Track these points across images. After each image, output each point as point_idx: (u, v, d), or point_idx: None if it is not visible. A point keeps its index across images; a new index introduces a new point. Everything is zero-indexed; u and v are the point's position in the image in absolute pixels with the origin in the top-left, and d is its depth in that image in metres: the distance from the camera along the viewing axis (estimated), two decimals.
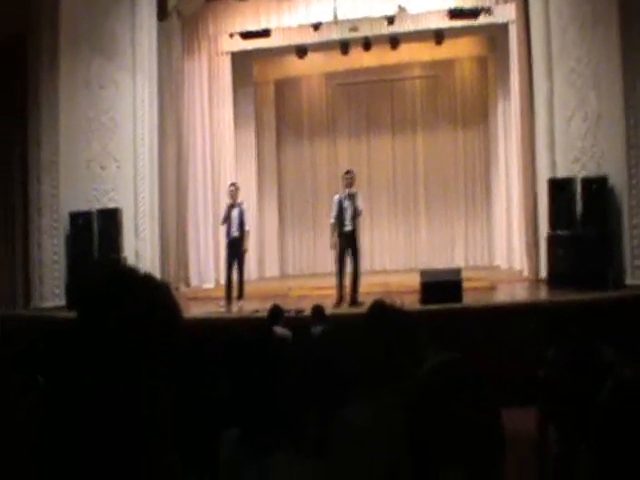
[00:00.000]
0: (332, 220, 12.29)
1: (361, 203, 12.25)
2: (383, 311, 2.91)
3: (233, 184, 13.46)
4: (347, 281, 12.18)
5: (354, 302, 11.81)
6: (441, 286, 10.71)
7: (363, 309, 10.28)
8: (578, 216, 11.99)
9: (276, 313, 9.59)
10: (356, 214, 12.07)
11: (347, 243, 12.16)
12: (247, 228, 13.07)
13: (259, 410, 2.86)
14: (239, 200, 13.10)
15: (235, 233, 12.86)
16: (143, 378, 1.45)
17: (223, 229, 13.45)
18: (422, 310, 10.03)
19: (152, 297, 1.51)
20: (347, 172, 12.40)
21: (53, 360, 5.84)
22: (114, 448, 1.41)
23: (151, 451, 1.48)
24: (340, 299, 12.05)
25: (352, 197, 12.10)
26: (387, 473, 2.38)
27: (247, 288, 13.33)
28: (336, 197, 12.35)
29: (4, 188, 12.91)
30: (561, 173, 12.49)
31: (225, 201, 13.58)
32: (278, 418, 2.87)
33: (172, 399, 1.52)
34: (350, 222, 12.09)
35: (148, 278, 1.56)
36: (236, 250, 12.92)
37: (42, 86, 12.74)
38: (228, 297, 12.83)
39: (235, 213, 12.87)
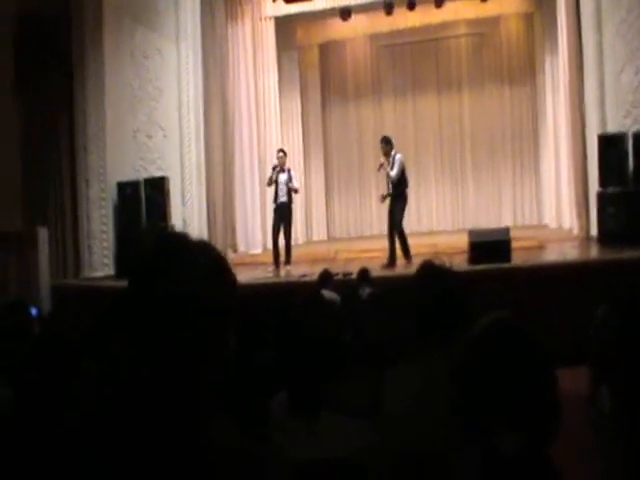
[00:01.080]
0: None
1: (397, 169, 12.20)
2: (432, 272, 2.88)
3: (281, 150, 13.45)
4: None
5: (407, 257, 12.10)
6: (489, 246, 10.61)
7: (410, 271, 10.37)
8: (630, 172, 11.77)
9: (325, 277, 9.62)
10: (392, 180, 12.19)
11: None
12: (297, 186, 13.11)
13: (309, 373, 2.86)
14: (287, 166, 13.08)
15: (283, 198, 12.87)
16: (197, 344, 1.44)
17: (270, 194, 13.49)
18: (470, 270, 9.96)
19: (206, 263, 1.49)
20: (381, 140, 12.56)
21: (103, 334, 5.92)
22: (167, 413, 1.42)
23: (203, 415, 1.48)
24: (392, 261, 12.14)
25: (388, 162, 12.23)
26: (437, 435, 2.36)
27: (295, 252, 13.36)
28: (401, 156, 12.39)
29: (52, 160, 13.04)
30: (612, 128, 12.21)
31: (272, 167, 13.55)
32: (327, 380, 2.88)
33: (227, 365, 1.52)
34: (391, 188, 12.30)
35: (202, 244, 1.54)
36: (283, 215, 12.92)
37: (87, 57, 12.82)
38: (276, 262, 12.87)
39: (283, 178, 12.86)
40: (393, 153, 12.32)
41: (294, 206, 13.23)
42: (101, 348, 4.96)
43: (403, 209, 12.44)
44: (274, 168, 13.01)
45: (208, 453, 1.45)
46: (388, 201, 12.52)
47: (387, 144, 12.37)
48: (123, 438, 1.40)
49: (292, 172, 13.17)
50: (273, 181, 12.89)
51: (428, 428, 2.45)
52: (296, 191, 13.08)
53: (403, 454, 2.56)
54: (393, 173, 12.17)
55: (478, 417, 1.60)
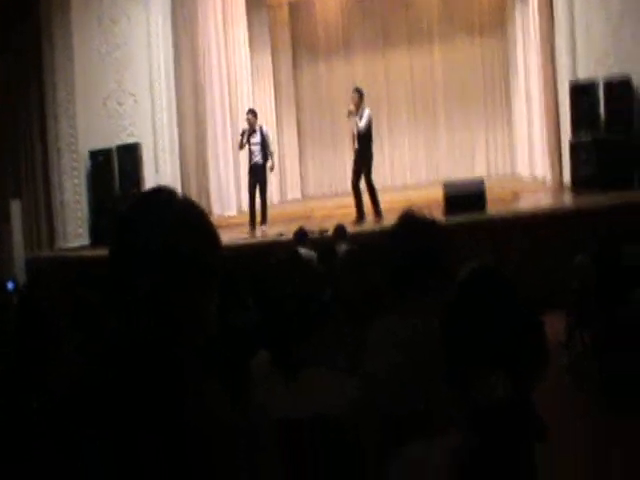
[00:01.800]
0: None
1: (365, 122, 12.07)
2: (414, 222, 2.86)
3: (251, 111, 13.18)
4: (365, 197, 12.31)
5: (377, 213, 12.04)
6: (465, 197, 10.65)
7: (385, 226, 10.42)
8: (601, 119, 11.81)
9: (301, 235, 9.63)
10: (359, 134, 12.09)
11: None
12: (272, 149, 12.98)
13: (288, 331, 2.87)
14: (258, 125, 12.95)
15: (257, 158, 12.76)
16: (183, 304, 1.43)
17: (244, 155, 13.41)
18: (446, 222, 9.98)
19: (192, 221, 1.47)
20: (354, 90, 12.38)
21: (90, 301, 5.90)
22: (155, 379, 1.41)
23: (191, 380, 1.48)
24: (360, 215, 12.21)
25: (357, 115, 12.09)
26: (420, 386, 2.38)
27: (270, 212, 13.33)
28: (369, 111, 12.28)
29: (22, 130, 12.90)
30: (583, 76, 12.21)
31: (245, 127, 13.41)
32: (307, 337, 2.88)
33: (213, 326, 1.51)
34: (357, 141, 12.22)
35: (188, 202, 1.52)
36: (258, 176, 12.84)
37: (54, 24, 12.66)
38: (252, 223, 12.83)
39: (256, 139, 12.72)
40: (363, 106, 12.19)
41: (271, 163, 13.05)
42: (83, 316, 4.95)
43: (370, 163, 12.34)
44: (243, 132, 12.85)
45: (197, 419, 1.44)
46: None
47: (359, 95, 12.20)
48: (110, 407, 1.39)
49: (264, 130, 12.98)
50: (244, 144, 12.77)
51: (411, 380, 2.47)
52: (271, 154, 12.95)
53: (386, 407, 2.58)
54: (361, 124, 12.02)
55: (464, 365, 1.61)
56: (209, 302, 1.47)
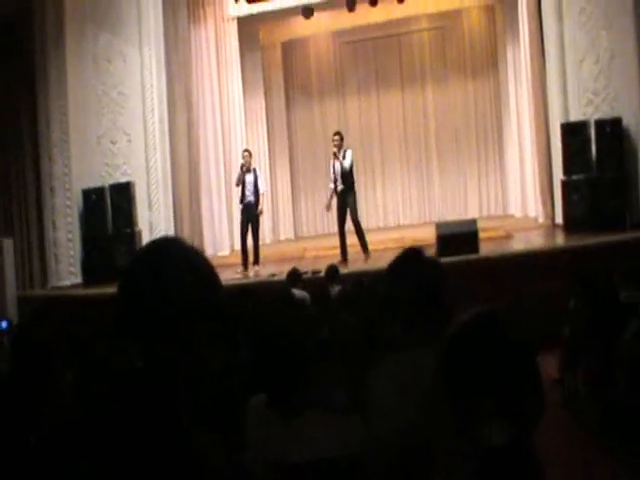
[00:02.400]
0: (331, 185, 12.78)
1: (349, 161, 12.50)
2: (417, 257, 2.86)
3: (246, 150, 13.50)
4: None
5: (365, 251, 12.43)
6: (457, 238, 10.65)
7: (376, 265, 10.45)
8: (593, 159, 11.89)
9: (294, 276, 9.62)
10: (344, 174, 12.43)
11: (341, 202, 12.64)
12: (262, 191, 13.02)
13: (285, 373, 2.85)
14: (253, 166, 13.11)
15: (250, 197, 12.83)
16: (188, 347, 1.43)
17: (237, 195, 13.47)
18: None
19: (198, 268, 1.48)
20: (335, 133, 12.86)
21: (92, 339, 5.87)
22: (150, 419, 1.41)
23: (187, 422, 1.47)
24: (344, 257, 12.46)
25: (340, 156, 12.52)
26: (423, 427, 2.36)
27: (262, 252, 13.34)
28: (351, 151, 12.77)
29: (16, 169, 12.91)
30: (574, 117, 12.31)
31: (238, 167, 13.51)
32: (305, 379, 2.87)
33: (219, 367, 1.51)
34: (340, 181, 12.52)
35: (193, 249, 1.53)
36: (251, 215, 12.88)
37: (49, 63, 12.74)
38: (244, 263, 12.83)
39: (249, 178, 12.84)
40: (344, 148, 12.63)
41: (261, 206, 13.10)
42: (76, 354, 4.92)
43: (355, 201, 12.65)
44: (242, 167, 12.98)
45: (191, 463, 1.43)
46: (335, 199, 12.73)
47: (340, 138, 12.64)
48: (103, 444, 1.39)
49: (258, 172, 13.17)
50: (241, 181, 12.87)
51: (414, 421, 2.45)
52: (262, 196, 13.01)
53: (390, 448, 2.56)
54: (347, 164, 12.41)
55: (465, 408, 1.60)
56: (214, 349, 1.48)
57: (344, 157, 12.44)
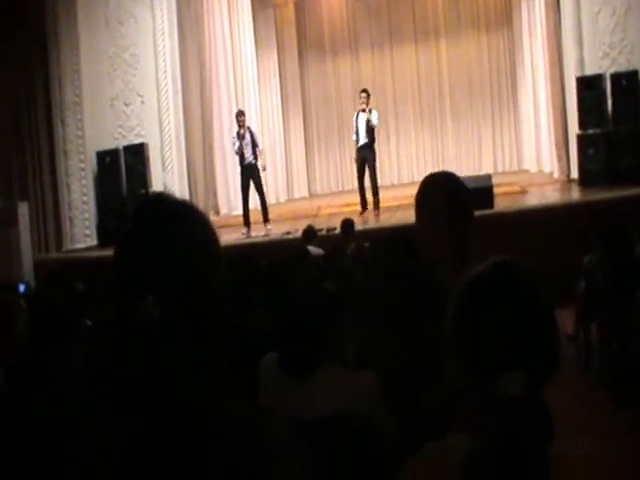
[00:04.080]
0: (354, 137, 13.33)
1: (375, 119, 12.97)
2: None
3: (240, 112, 13.24)
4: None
5: (376, 209, 12.83)
6: (472, 193, 10.56)
7: (389, 223, 10.50)
8: (608, 113, 11.78)
9: (309, 233, 9.62)
10: (369, 129, 12.92)
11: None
12: (260, 147, 12.95)
13: (299, 330, 2.87)
14: (247, 124, 13.01)
15: (249, 158, 12.70)
16: (188, 306, 1.44)
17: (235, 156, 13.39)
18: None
19: (193, 226, 1.48)
20: (363, 91, 13.27)
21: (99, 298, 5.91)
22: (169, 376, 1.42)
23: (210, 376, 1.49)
24: (363, 209, 12.94)
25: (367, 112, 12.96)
26: (435, 379, 2.36)
27: (276, 210, 13.32)
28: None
29: (29, 132, 12.92)
30: (590, 70, 12.17)
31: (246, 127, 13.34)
32: (319, 336, 2.88)
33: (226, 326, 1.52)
34: (364, 136, 12.97)
35: (187, 207, 1.53)
36: (253, 174, 12.75)
37: (61, 26, 12.67)
38: (247, 223, 12.68)
39: (246, 139, 12.66)
40: (370, 106, 13.01)
41: (269, 164, 13.38)
42: (96, 314, 4.96)
43: (375, 159, 13.21)
44: (238, 134, 12.76)
45: (215, 417, 1.44)
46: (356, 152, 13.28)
47: (368, 95, 13.07)
48: (125, 402, 1.40)
49: (252, 130, 13.05)
50: (240, 149, 12.70)
51: (425, 372, 2.46)
52: (261, 152, 12.97)
53: (402, 402, 2.58)
54: (375, 121, 12.93)
55: (480, 359, 1.59)
56: (216, 302, 1.48)
57: (371, 114, 12.88)
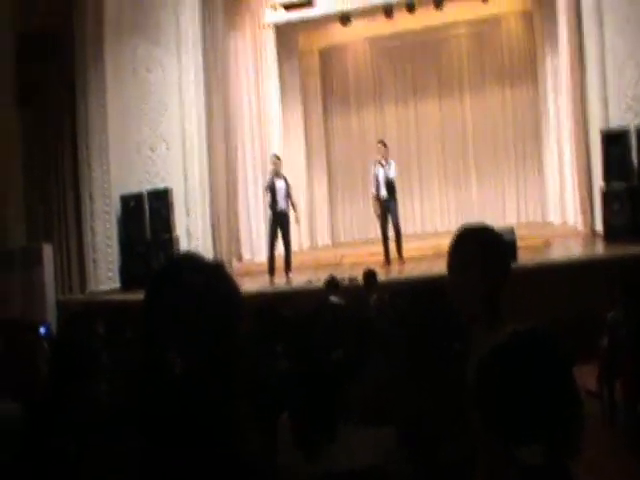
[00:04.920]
0: (373, 189, 13.32)
1: (392, 171, 13.05)
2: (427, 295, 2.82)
3: (276, 155, 13.60)
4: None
5: (400, 258, 12.94)
6: (508, 246, 10.47)
7: (412, 273, 10.47)
8: (634, 167, 11.76)
9: (331, 283, 9.56)
10: (389, 182, 12.98)
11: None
12: (295, 201, 13.17)
13: (323, 380, 2.83)
14: (282, 173, 13.21)
15: (281, 204, 12.84)
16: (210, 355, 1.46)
17: (264, 202, 13.53)
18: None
19: (217, 286, 1.52)
20: (379, 142, 13.43)
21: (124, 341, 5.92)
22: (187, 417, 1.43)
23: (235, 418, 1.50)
24: (387, 260, 12.96)
25: (385, 164, 13.05)
26: (454, 441, 2.33)
27: (300, 258, 13.33)
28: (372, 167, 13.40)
29: (56, 175, 13.06)
30: (614, 124, 12.18)
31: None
32: (342, 388, 2.85)
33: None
34: (384, 189, 13.03)
35: (213, 267, 1.57)
36: (282, 221, 12.88)
37: (89, 72, 12.88)
38: (271, 270, 12.80)
39: (280, 184, 12.88)
40: (388, 157, 13.22)
41: (291, 213, 13.25)
42: (117, 357, 4.96)
43: (397, 209, 13.25)
44: (272, 173, 13.05)
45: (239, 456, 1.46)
46: (374, 203, 13.35)
47: (385, 146, 13.25)
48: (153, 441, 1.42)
49: (287, 180, 13.28)
50: (270, 186, 12.96)
51: (445, 433, 2.43)
52: (295, 205, 13.26)
53: (424, 456, 2.54)
54: (392, 173, 13.02)
55: (500, 429, 1.57)
56: (235, 352, 1.50)
57: (389, 166, 12.97)
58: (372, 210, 13.57)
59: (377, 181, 13.07)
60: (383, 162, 12.99)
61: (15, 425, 3.33)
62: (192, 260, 1.56)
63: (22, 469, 2.86)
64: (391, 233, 13.10)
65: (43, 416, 3.32)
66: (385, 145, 13.25)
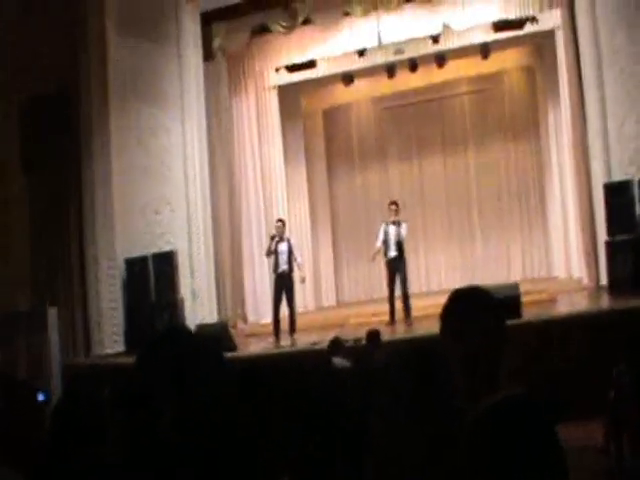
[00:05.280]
0: (378, 244, 13.26)
1: (404, 232, 13.02)
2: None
3: (280, 220, 13.65)
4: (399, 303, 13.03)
5: (408, 318, 12.80)
6: (503, 309, 10.40)
7: (417, 333, 10.42)
8: (637, 219, 11.76)
9: (335, 345, 9.48)
10: (400, 243, 12.97)
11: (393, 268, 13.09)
12: (300, 261, 13.14)
13: (324, 447, 2.81)
14: (286, 235, 13.22)
15: (284, 266, 12.85)
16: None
17: (269, 264, 13.53)
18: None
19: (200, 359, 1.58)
20: (392, 203, 13.26)
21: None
22: None
23: None
24: (392, 320, 12.81)
25: (397, 224, 12.98)
26: None
27: (305, 319, 13.30)
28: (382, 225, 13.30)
29: (61, 238, 13.11)
30: (617, 177, 12.25)
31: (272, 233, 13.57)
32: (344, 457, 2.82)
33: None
34: (394, 249, 12.95)
35: (201, 343, 1.64)
36: (285, 284, 12.87)
37: (94, 136, 12.99)
38: (276, 332, 12.76)
39: (283, 247, 12.86)
40: (399, 217, 13.10)
41: (295, 275, 13.16)
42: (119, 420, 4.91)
43: (406, 272, 13.22)
44: (272, 238, 13.01)
45: None
46: (383, 262, 13.39)
47: (397, 206, 13.14)
48: None
49: (292, 242, 13.29)
50: (272, 251, 12.91)
51: None
52: (300, 265, 13.20)
53: None
54: (404, 234, 12.98)
55: None
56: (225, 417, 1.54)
57: (401, 226, 12.95)
58: (371, 256, 13.68)
59: (386, 241, 13.04)
60: (396, 222, 12.97)
61: None
62: (178, 334, 1.62)
63: None
64: (398, 293, 13.02)
65: None
66: (398, 206, 13.19)
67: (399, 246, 12.96)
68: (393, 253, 12.98)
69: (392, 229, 12.97)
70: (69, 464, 3.33)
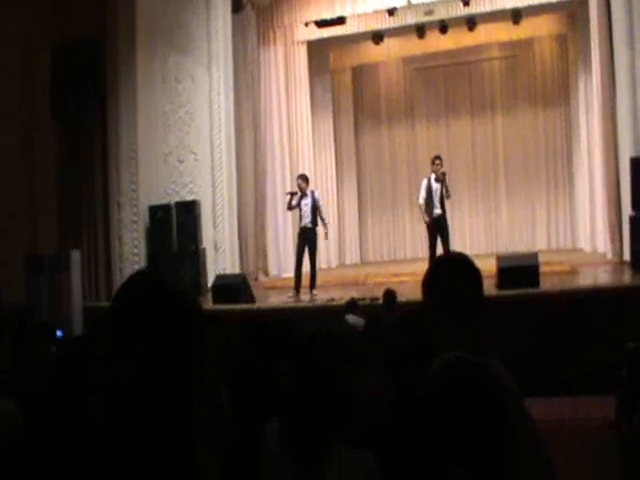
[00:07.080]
0: (421, 201, 12.54)
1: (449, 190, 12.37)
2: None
3: (301, 176, 12.97)
4: None
5: None
6: (518, 271, 10.44)
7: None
8: None
9: (351, 304, 9.53)
10: (444, 198, 12.30)
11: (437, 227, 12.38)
12: (325, 217, 12.62)
13: (318, 401, 2.83)
14: (310, 190, 12.69)
15: (307, 221, 12.50)
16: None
17: (293, 217, 13.39)
18: (498, 295, 9.82)
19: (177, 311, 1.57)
20: (436, 157, 12.59)
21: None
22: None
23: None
24: None
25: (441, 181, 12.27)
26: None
27: (326, 276, 13.28)
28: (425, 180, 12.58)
29: (86, 184, 13.20)
30: None
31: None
32: (339, 413, 2.84)
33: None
34: (439, 206, 12.32)
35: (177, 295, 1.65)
36: (308, 239, 12.65)
37: (120, 82, 12.97)
38: (297, 287, 12.48)
39: (307, 202, 12.46)
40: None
41: (319, 230, 12.58)
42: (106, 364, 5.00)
43: (449, 231, 12.62)
44: (291, 194, 12.62)
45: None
46: (427, 221, 12.51)
47: (442, 163, 12.49)
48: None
49: (316, 195, 12.68)
50: (293, 206, 12.50)
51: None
52: (323, 221, 12.52)
53: None
54: (451, 192, 12.45)
55: (434, 451, 1.60)
56: (194, 375, 1.57)
57: (446, 184, 12.28)
58: (425, 221, 12.59)
59: (430, 196, 12.35)
60: (441, 178, 12.26)
61: (11, 424, 3.39)
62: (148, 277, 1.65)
63: (17, 468, 2.91)
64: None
65: (39, 415, 3.37)
66: (441, 160, 12.56)
67: (443, 204, 12.32)
68: (438, 211, 12.32)
69: (437, 186, 12.31)
70: (64, 404, 3.41)
